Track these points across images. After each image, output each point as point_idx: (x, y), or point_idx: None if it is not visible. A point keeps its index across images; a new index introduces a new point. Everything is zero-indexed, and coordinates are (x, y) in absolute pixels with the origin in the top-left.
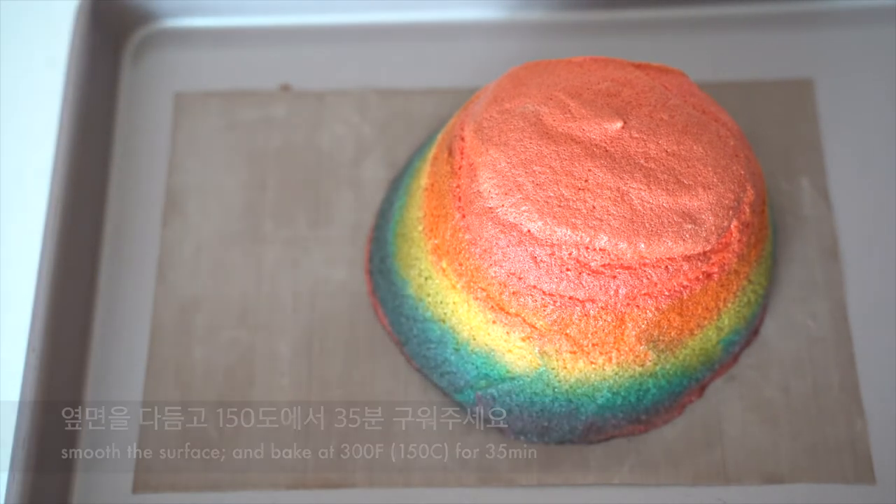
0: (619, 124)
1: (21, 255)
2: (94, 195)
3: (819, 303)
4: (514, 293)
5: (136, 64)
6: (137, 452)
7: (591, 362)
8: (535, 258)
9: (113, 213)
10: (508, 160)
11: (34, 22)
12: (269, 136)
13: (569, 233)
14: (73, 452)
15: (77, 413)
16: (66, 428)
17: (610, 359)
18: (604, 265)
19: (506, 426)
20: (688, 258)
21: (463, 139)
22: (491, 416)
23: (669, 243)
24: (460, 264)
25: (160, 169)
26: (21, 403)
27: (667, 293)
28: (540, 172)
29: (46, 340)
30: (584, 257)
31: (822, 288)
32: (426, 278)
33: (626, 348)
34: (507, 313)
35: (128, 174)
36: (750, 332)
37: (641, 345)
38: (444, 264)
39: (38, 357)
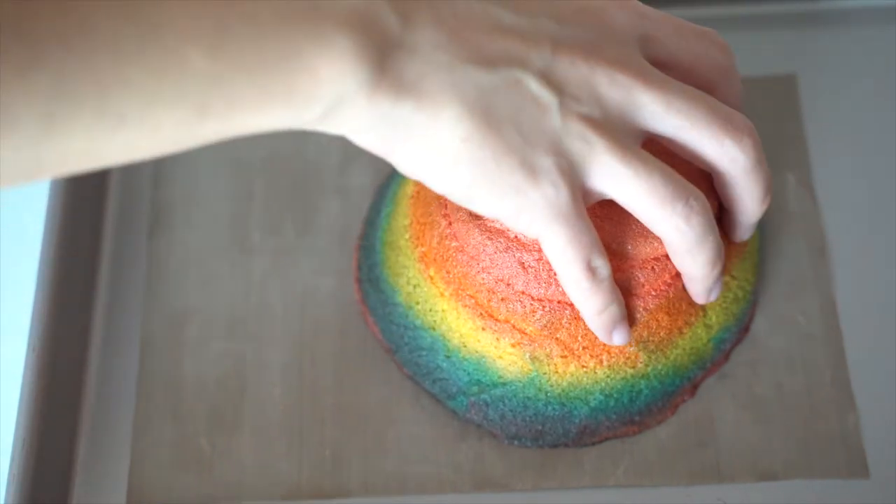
0: None
1: (21, 256)
2: (93, 200)
3: (809, 298)
4: (502, 299)
5: None
6: (130, 466)
7: (583, 365)
8: (522, 264)
9: (111, 213)
10: None
11: None
12: (255, 145)
13: None
14: (70, 453)
15: (76, 413)
16: (65, 429)
17: (601, 361)
18: None
19: (499, 431)
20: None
21: None
22: (484, 422)
23: (656, 244)
24: (448, 272)
25: (146, 181)
26: (21, 404)
27: (654, 293)
28: None
29: (46, 340)
30: None
31: (811, 283)
32: (415, 286)
33: (617, 350)
34: (497, 320)
35: (118, 186)
36: (740, 329)
37: (632, 346)
38: (431, 272)
39: (39, 357)
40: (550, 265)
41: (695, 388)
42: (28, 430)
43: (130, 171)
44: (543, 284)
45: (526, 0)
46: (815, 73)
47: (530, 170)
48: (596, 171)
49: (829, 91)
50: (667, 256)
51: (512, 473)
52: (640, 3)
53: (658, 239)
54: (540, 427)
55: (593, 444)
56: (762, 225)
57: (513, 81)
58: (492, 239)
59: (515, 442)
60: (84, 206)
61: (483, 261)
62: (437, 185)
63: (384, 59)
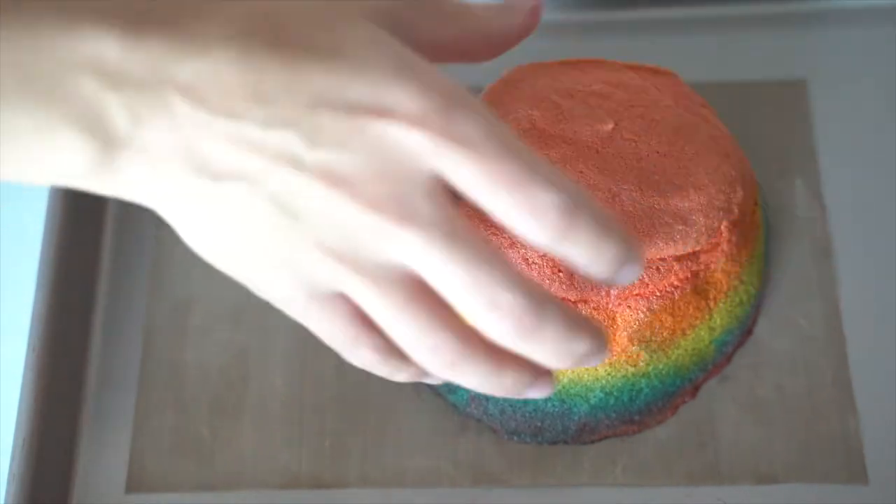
0: (611, 125)
1: (21, 256)
2: (93, 198)
3: (812, 302)
4: None
5: None
6: (130, 452)
7: None
8: (526, 260)
9: (111, 214)
10: None
11: None
12: None
13: None
14: (70, 453)
15: (76, 412)
16: (65, 428)
17: None
18: None
19: (499, 427)
20: (679, 258)
21: None
22: (484, 417)
23: (660, 244)
24: None
25: None
26: (21, 404)
27: (658, 294)
28: None
29: (46, 340)
30: None
31: (815, 287)
32: None
33: (619, 349)
34: None
35: None
36: (743, 331)
37: (633, 345)
38: None
39: (38, 357)
40: (554, 262)
41: (696, 389)
42: (28, 430)
43: None
44: (547, 281)
45: (290, 109)
46: (826, 77)
47: (269, 284)
48: (344, 288)
49: (839, 96)
50: (672, 258)
51: (511, 469)
52: (461, 124)
53: (663, 240)
54: (539, 423)
55: (592, 442)
56: (770, 229)
57: (240, 197)
58: (497, 234)
59: (515, 437)
60: (85, 205)
61: None
62: None
63: (110, 153)
